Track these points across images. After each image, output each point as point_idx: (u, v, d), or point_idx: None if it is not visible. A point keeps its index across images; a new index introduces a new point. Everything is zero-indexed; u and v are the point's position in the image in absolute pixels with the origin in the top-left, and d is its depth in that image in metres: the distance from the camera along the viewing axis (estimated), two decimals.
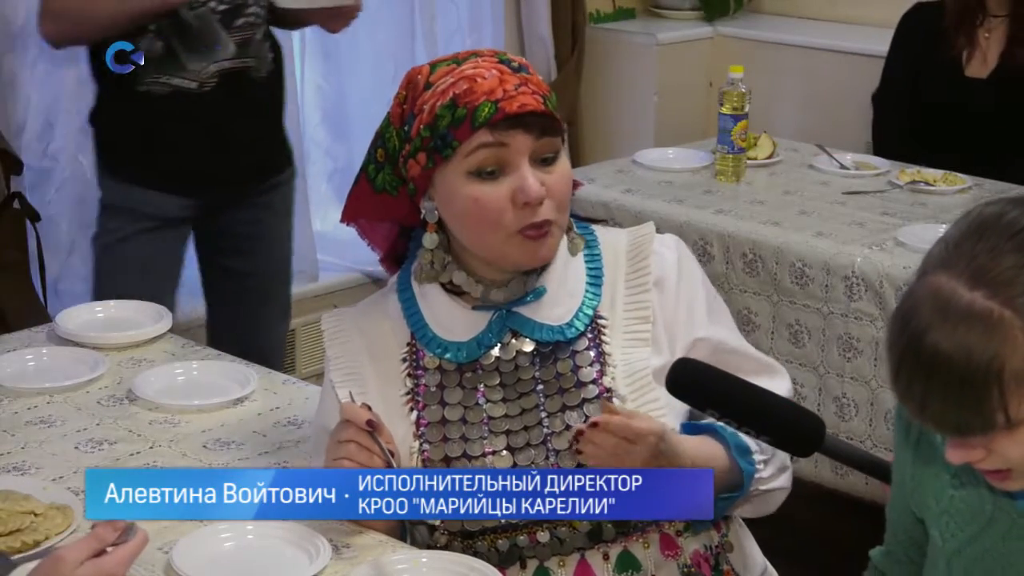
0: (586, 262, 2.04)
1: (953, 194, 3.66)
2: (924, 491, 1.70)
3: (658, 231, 2.09)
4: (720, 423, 1.95)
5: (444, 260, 1.98)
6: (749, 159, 3.82)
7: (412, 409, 1.98)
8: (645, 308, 2.00)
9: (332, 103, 4.39)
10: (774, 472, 2.01)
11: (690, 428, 1.99)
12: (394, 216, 2.04)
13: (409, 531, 1.97)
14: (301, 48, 4.26)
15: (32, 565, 1.67)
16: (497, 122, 1.87)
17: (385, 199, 2.00)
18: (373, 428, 1.85)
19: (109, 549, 1.63)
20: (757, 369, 2.03)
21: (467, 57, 1.94)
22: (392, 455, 1.86)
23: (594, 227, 2.08)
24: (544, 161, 1.91)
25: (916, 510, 1.73)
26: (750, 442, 1.97)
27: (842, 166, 3.87)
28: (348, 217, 2.07)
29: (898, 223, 3.41)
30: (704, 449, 1.95)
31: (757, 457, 1.97)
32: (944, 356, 1.39)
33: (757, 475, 1.97)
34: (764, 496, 2.02)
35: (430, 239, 1.97)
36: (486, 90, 1.88)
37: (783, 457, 2.01)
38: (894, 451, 1.77)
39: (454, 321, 2.00)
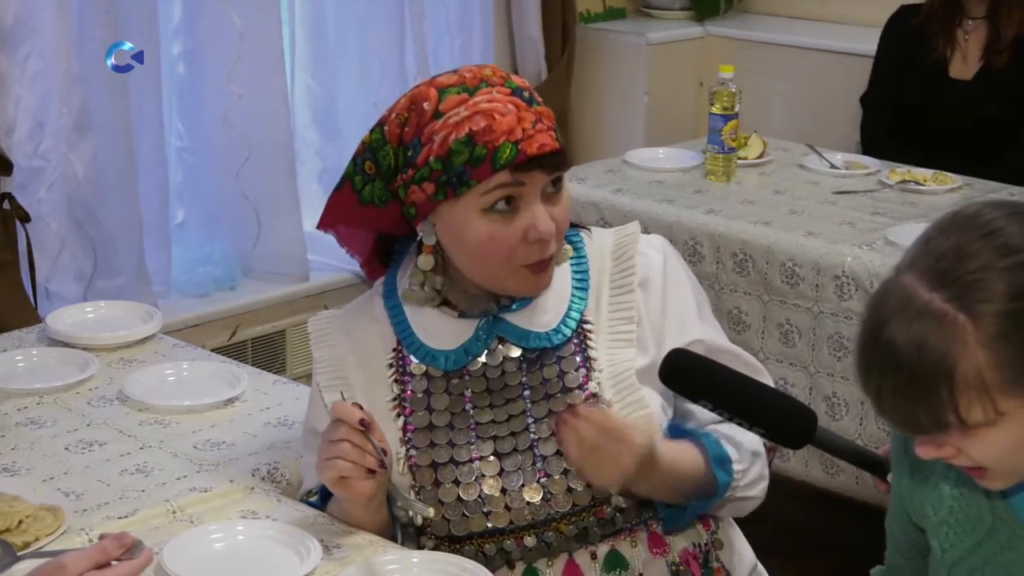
0: (572, 266, 2.03)
1: (943, 193, 3.66)
2: (922, 502, 1.70)
3: (646, 231, 2.08)
4: (705, 431, 1.97)
5: (437, 282, 1.96)
6: (739, 159, 3.82)
7: (399, 415, 1.98)
8: (630, 309, 2.00)
9: (322, 104, 4.38)
10: (751, 481, 2.00)
11: (674, 432, 1.98)
12: (377, 227, 2.02)
13: (400, 533, 1.97)
14: (291, 49, 4.26)
15: (34, 563, 1.67)
16: (518, 164, 1.86)
17: (371, 210, 1.98)
18: (365, 427, 1.84)
19: (114, 563, 1.62)
20: (743, 369, 2.02)
21: (478, 85, 1.88)
22: (384, 453, 1.86)
23: (581, 232, 2.07)
24: (551, 190, 1.90)
25: (916, 520, 1.73)
26: (731, 451, 1.96)
27: (832, 166, 3.87)
28: (327, 224, 2.05)
29: (888, 222, 3.41)
30: (685, 458, 1.94)
31: (736, 467, 1.96)
32: (897, 349, 1.41)
33: (733, 483, 1.97)
34: (738, 502, 2.01)
35: (426, 261, 1.95)
36: (505, 129, 1.85)
37: (761, 467, 2.00)
38: (891, 463, 1.77)
39: (441, 329, 1.99)
